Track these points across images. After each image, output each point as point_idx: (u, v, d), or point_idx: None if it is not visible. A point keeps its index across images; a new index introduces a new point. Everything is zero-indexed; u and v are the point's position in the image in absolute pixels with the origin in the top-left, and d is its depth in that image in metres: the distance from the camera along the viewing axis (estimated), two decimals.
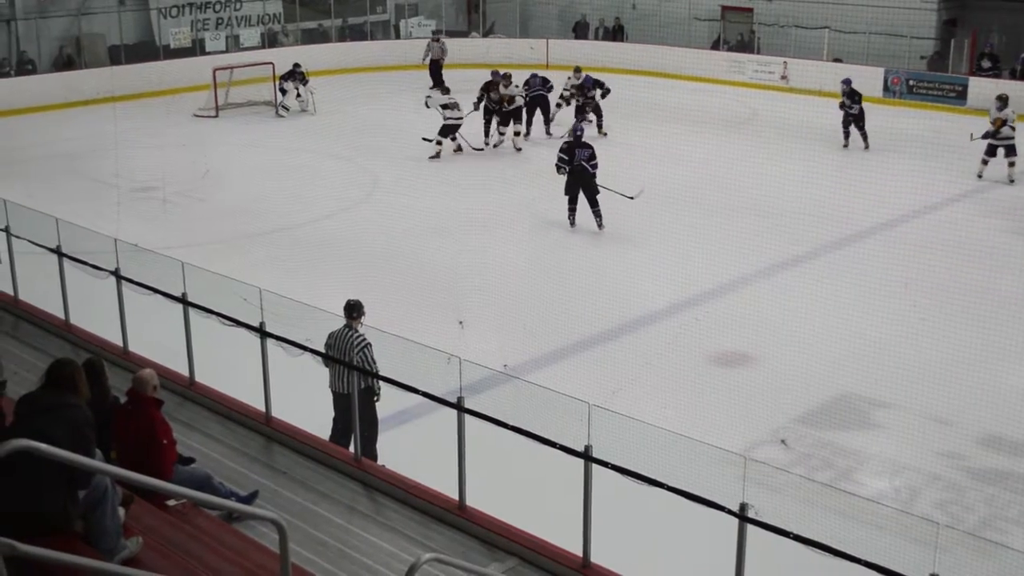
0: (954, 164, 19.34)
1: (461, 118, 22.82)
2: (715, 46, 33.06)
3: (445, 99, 22.82)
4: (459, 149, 23.34)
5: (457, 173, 21.78)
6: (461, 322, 13.69)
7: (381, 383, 9.96)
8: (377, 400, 10.15)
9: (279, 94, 27.80)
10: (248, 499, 8.49)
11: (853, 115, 23.59)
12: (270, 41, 33.81)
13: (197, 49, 31.73)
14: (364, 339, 10.14)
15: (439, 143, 22.70)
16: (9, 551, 4.37)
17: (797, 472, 9.93)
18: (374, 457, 9.94)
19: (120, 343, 11.75)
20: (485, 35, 36.49)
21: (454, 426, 8.51)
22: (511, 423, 8.13)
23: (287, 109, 27.64)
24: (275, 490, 8.94)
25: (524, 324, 13.88)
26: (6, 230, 13.03)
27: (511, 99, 23.46)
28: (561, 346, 13.41)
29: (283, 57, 29.85)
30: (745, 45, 32.85)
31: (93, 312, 12.43)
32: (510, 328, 13.82)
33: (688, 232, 16.96)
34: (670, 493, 7.25)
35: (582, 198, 18.02)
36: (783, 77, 29.90)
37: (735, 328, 13.74)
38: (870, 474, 10.69)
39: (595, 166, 17.98)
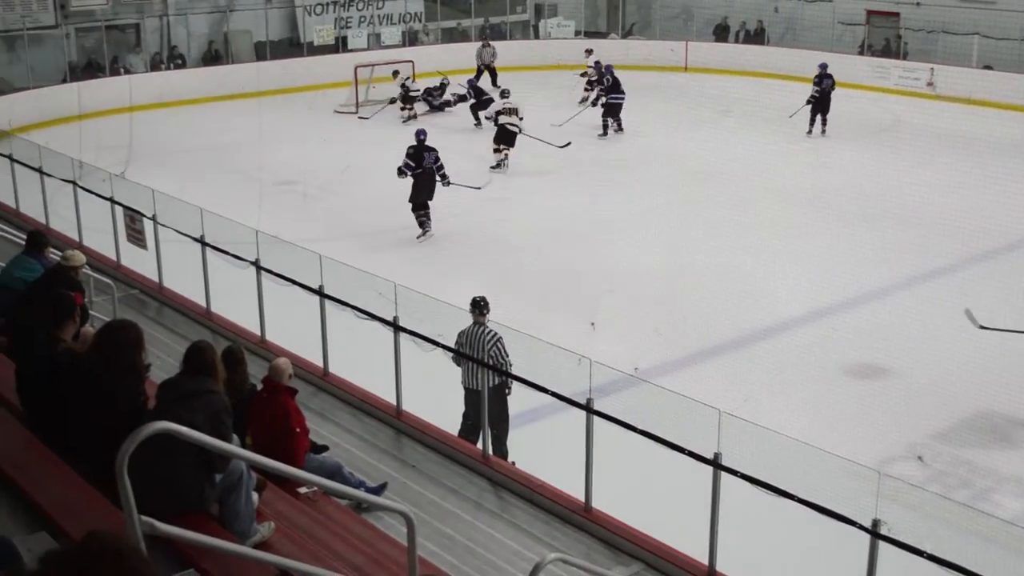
0: None
1: (517, 125, 22.31)
2: (860, 51, 32.34)
3: (501, 104, 22.54)
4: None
5: (590, 174, 21.75)
6: (592, 323, 13.67)
7: (515, 381, 9.99)
8: (509, 394, 10.15)
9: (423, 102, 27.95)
10: (377, 490, 8.60)
11: (815, 98, 24.64)
12: (411, 39, 34.23)
13: (340, 46, 32.31)
14: (495, 334, 10.17)
15: (499, 151, 22.14)
16: (149, 530, 4.52)
17: (933, 490, 9.63)
18: (504, 455, 9.98)
19: (258, 332, 12.03)
20: (624, 36, 36.36)
21: (582, 427, 8.50)
22: (640, 427, 8.08)
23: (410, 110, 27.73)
24: (403, 483, 9.05)
25: (655, 327, 13.78)
26: (153, 219, 13.46)
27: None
28: (693, 351, 13.27)
29: (424, 56, 30.22)
30: (891, 50, 32.06)
31: (233, 301, 12.76)
32: (641, 331, 13.73)
33: (826, 239, 16.65)
34: (800, 505, 7.12)
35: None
36: (929, 84, 29.10)
37: (872, 340, 13.42)
38: (1010, 495, 10.32)
39: (440, 167, 17.80)
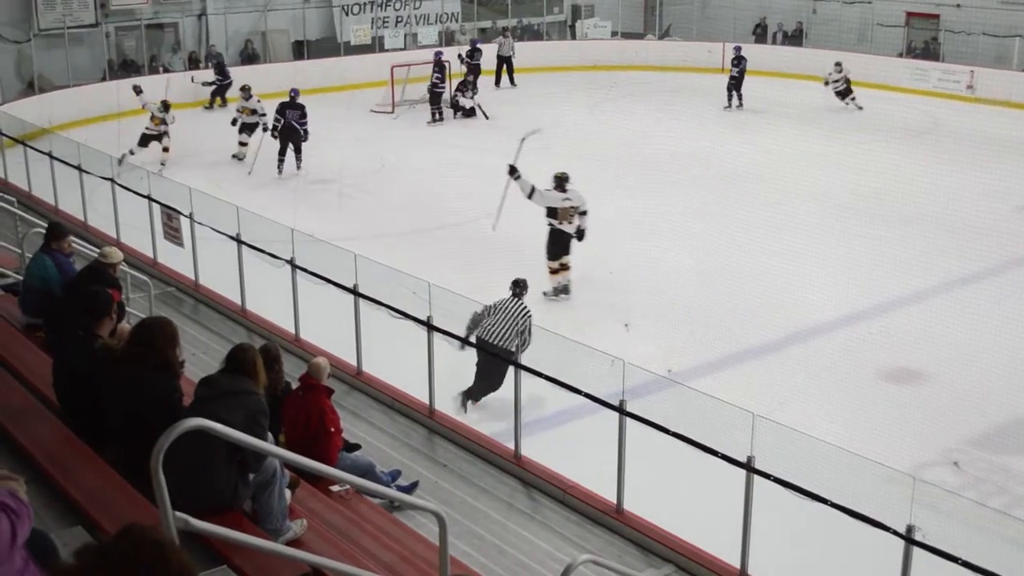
0: None
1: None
2: (899, 53, 32.09)
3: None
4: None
5: (627, 176, 21.69)
6: (626, 325, 13.63)
7: (547, 382, 9.96)
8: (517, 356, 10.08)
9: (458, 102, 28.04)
10: (408, 489, 8.62)
11: (734, 78, 28.03)
12: (447, 40, 34.27)
13: (376, 46, 32.41)
14: (530, 311, 11.04)
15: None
16: (183, 525, 4.55)
17: (968, 496, 9.54)
18: (469, 401, 10.86)
19: (292, 330, 12.08)
20: (661, 37, 36.23)
21: (615, 428, 8.48)
22: (673, 429, 8.06)
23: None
24: (435, 482, 9.07)
25: (690, 329, 13.72)
26: (190, 216, 13.55)
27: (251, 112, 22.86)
28: (727, 353, 13.21)
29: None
30: (930, 52, 31.79)
31: (268, 299, 12.82)
32: (676, 333, 13.68)
33: (864, 243, 16.53)
34: (833, 510, 7.08)
35: (290, 151, 21.46)
36: (969, 86, 28.85)
37: (909, 344, 13.30)
38: None
39: (304, 123, 21.41)
